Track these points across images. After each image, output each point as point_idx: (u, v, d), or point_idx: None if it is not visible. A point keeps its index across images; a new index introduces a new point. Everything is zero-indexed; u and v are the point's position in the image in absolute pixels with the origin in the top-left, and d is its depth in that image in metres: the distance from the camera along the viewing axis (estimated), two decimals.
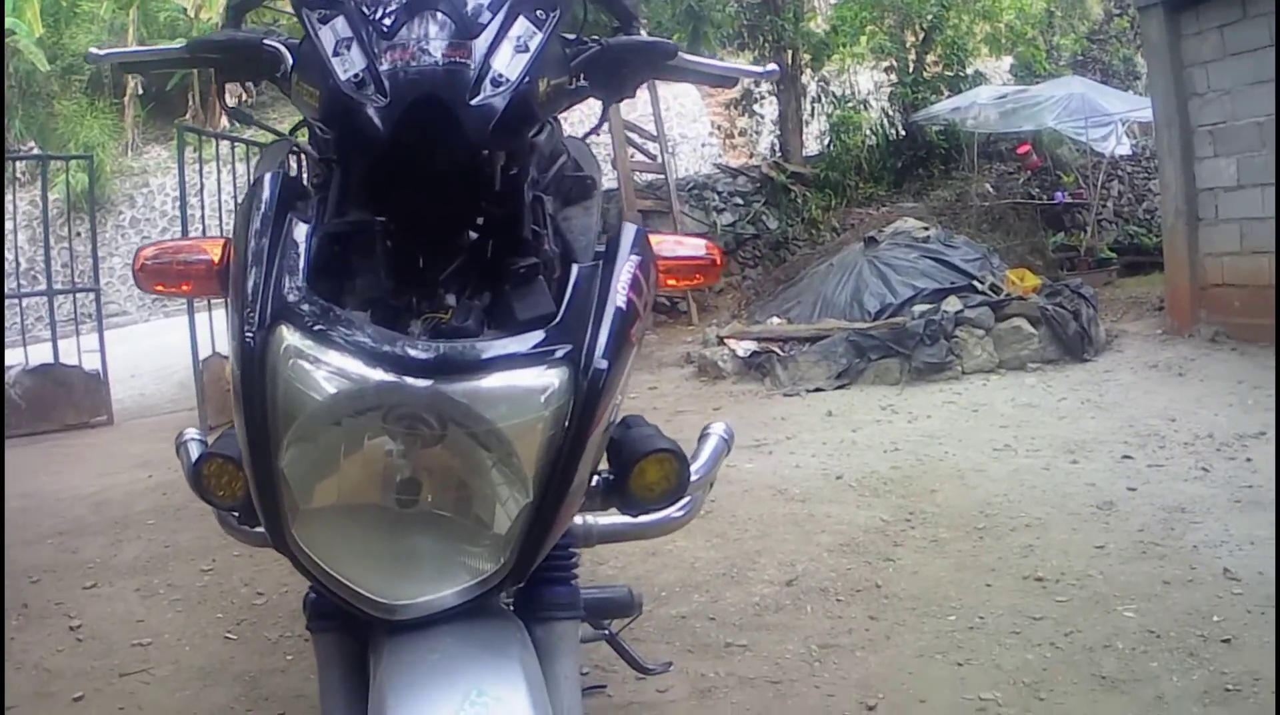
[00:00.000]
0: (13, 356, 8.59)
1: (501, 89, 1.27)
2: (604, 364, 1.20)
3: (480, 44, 1.29)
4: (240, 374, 1.18)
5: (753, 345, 8.59)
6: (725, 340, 8.88)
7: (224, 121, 21.71)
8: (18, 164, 15.64)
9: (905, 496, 4.77)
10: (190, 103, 23.94)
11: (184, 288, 1.63)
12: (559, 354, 1.19)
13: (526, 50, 1.31)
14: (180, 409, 8.76)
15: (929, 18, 14.95)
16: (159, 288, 1.65)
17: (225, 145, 9.02)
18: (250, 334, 1.17)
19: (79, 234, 14.60)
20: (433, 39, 1.29)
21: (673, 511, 1.69)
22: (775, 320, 9.32)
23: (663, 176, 13.24)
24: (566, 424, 1.18)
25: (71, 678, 3.43)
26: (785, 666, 3.13)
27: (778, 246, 13.44)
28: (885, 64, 15.80)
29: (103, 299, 9.24)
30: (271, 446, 1.17)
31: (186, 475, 1.56)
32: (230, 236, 1.51)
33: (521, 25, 1.33)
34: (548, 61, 1.35)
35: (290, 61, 1.51)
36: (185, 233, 8.66)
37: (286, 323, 1.17)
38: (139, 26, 22.84)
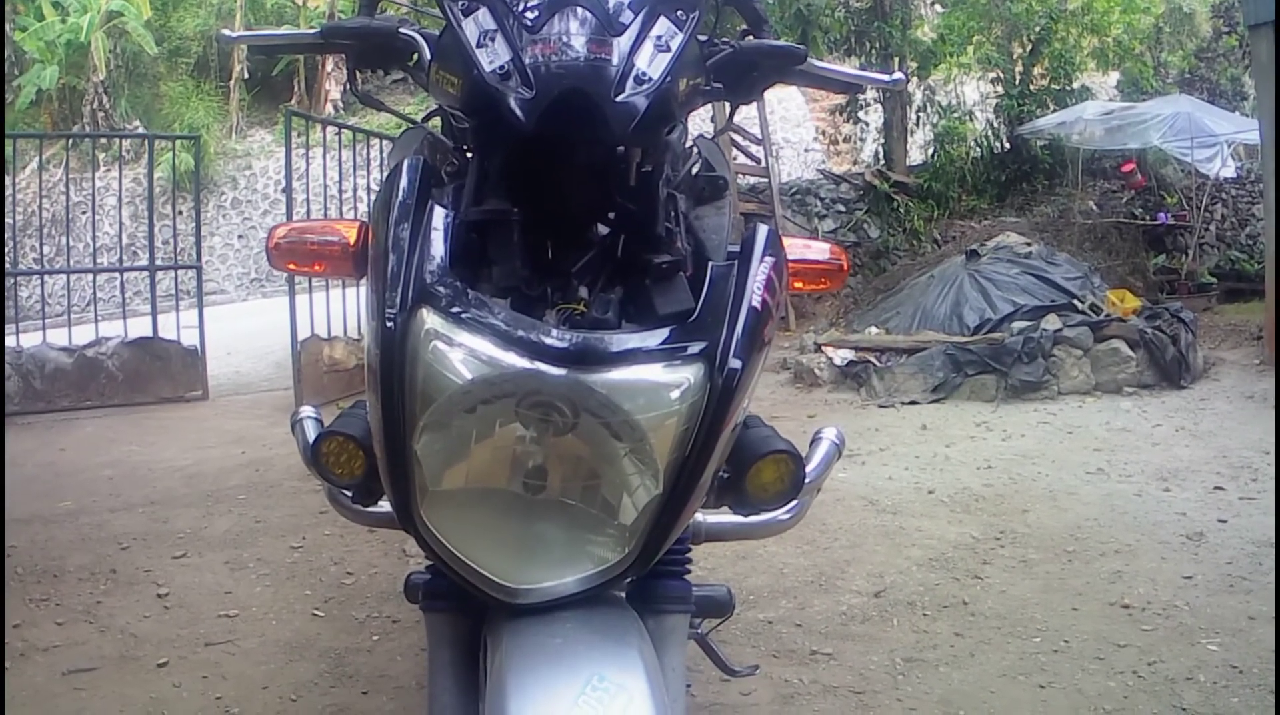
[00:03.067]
0: (112, 328, 8.79)
1: (645, 87, 1.28)
2: (738, 363, 1.21)
3: (623, 42, 1.30)
4: (380, 355, 1.20)
5: (850, 354, 8.55)
6: (823, 348, 8.85)
7: (329, 107, 22.11)
8: (123, 142, 15.99)
9: (996, 515, 4.73)
10: (295, 88, 24.36)
11: (317, 267, 1.66)
12: (695, 350, 1.20)
13: (668, 50, 1.32)
14: (276, 388, 8.90)
15: (1037, 30, 14.75)
16: (291, 266, 1.69)
17: (330, 131, 9.14)
18: (391, 316, 1.19)
19: (181, 213, 14.92)
20: (576, 35, 1.30)
21: (780, 514, 1.69)
22: (873, 330, 9.27)
23: (766, 180, 13.20)
24: (700, 419, 1.19)
25: (157, 644, 3.50)
26: (869, 677, 3.12)
27: (878, 255, 13.35)
28: (991, 75, 15.59)
29: (203, 277, 9.41)
30: (406, 427, 1.19)
31: (302, 452, 1.59)
32: (365, 220, 1.53)
33: (663, 25, 1.35)
34: (687, 62, 1.36)
35: (427, 51, 1.53)
36: (290, 216, 8.80)
37: (427, 306, 1.19)
38: (246, 12, 23.28)
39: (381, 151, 9.32)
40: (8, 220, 15.46)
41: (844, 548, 4.30)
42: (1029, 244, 10.01)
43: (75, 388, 8.22)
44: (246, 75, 24.21)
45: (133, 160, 18.73)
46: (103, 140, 17.99)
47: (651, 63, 1.30)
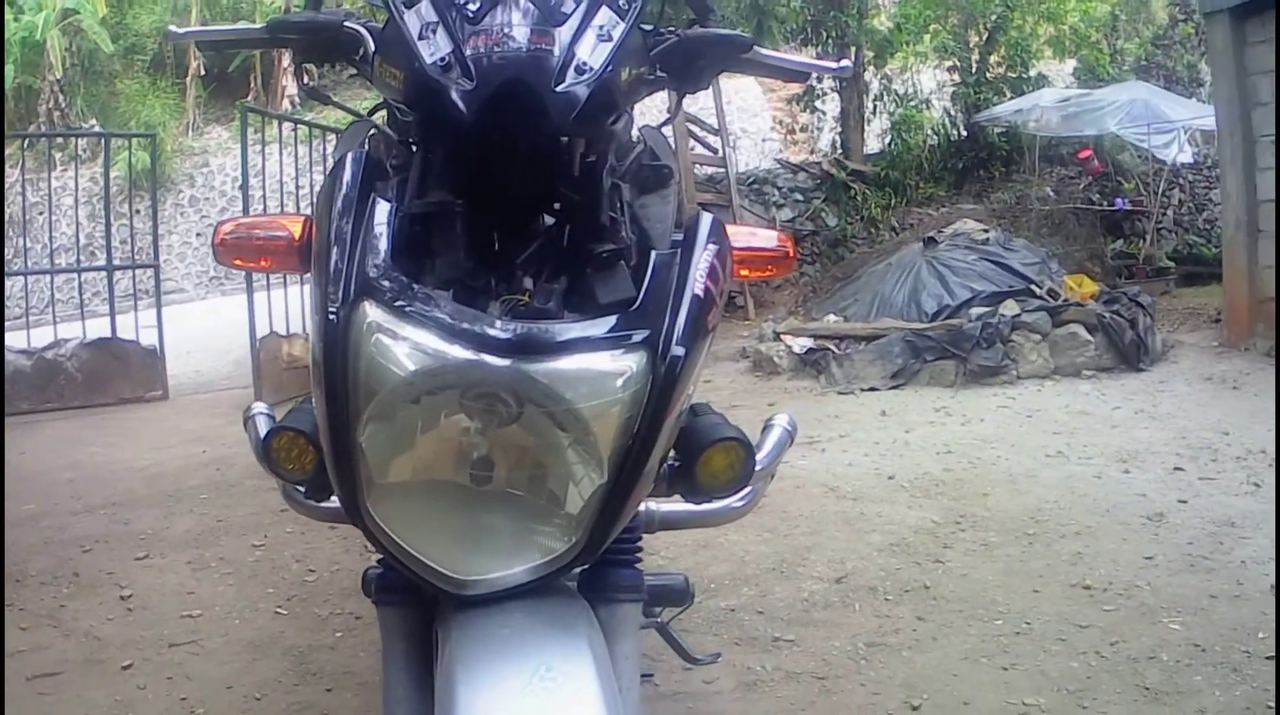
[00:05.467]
0: (70, 330, 8.73)
1: (586, 76, 1.28)
2: (681, 350, 1.21)
3: (564, 32, 1.31)
4: (323, 348, 1.20)
5: (809, 342, 8.55)
6: (782, 336, 8.85)
7: (285, 103, 21.96)
8: (79, 141, 15.79)
9: (956, 499, 4.76)
10: (252, 84, 24.21)
11: (263, 263, 1.65)
12: (637, 338, 1.20)
13: (610, 39, 1.33)
14: (235, 386, 8.86)
15: (993, 18, 14.81)
16: (237, 262, 1.68)
17: (287, 127, 9.09)
18: (334, 309, 1.19)
19: (138, 211, 14.82)
20: (517, 25, 1.31)
21: (734, 501, 1.69)
22: (832, 318, 9.28)
23: (723, 170, 13.21)
24: (643, 407, 1.19)
25: (121, 646, 3.49)
26: (832, 663, 3.14)
27: (836, 244, 13.39)
28: (948, 63, 15.65)
29: (161, 276, 9.34)
30: (351, 420, 1.19)
31: (255, 448, 1.58)
32: (310, 214, 1.53)
33: (604, 15, 1.35)
34: (629, 51, 1.37)
35: (371, 44, 1.53)
36: (246, 212, 8.74)
37: (370, 299, 1.19)
38: (202, 8, 23.08)
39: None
40: None
41: (805, 535, 4.32)
42: (986, 230, 10.05)
43: (34, 390, 8.16)
44: (203, 72, 24.04)
45: (89, 159, 18.55)
46: (59, 139, 17.80)
47: (593, 52, 1.31)
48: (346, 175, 1.30)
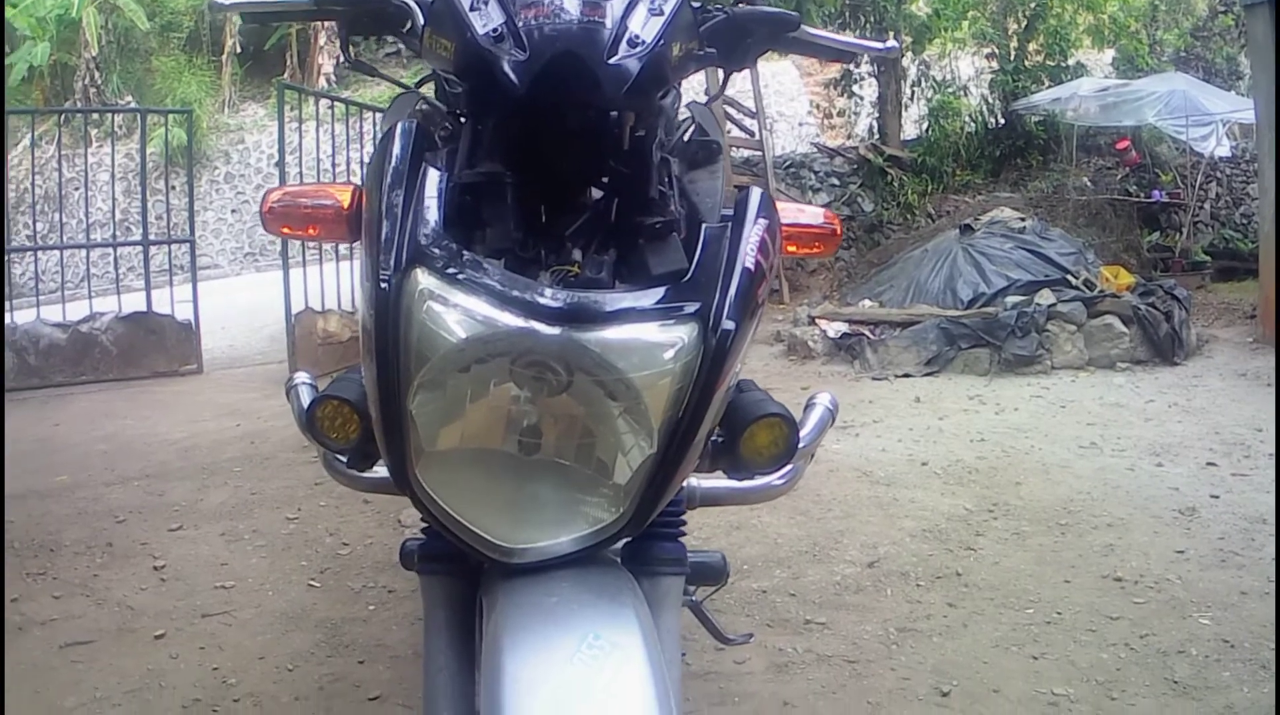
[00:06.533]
0: (106, 304, 8.78)
1: (638, 50, 1.28)
2: (731, 324, 1.20)
3: (616, 5, 1.31)
4: (374, 316, 1.20)
5: (844, 327, 8.55)
6: (817, 320, 8.84)
7: (321, 81, 22.01)
8: (115, 118, 15.91)
9: (989, 487, 4.75)
10: (288, 62, 24.25)
11: (311, 231, 1.66)
12: (689, 310, 1.20)
13: (661, 14, 1.33)
14: (270, 362, 8.90)
15: (1032, 5, 14.68)
16: (285, 230, 1.69)
17: (323, 104, 9.12)
18: (386, 277, 1.19)
19: (174, 188, 14.88)
20: None
21: (774, 479, 1.70)
22: (867, 303, 9.27)
23: (760, 153, 13.17)
24: (694, 379, 1.19)
25: (154, 616, 3.52)
26: (863, 647, 3.14)
27: (872, 229, 13.33)
28: (986, 50, 15.54)
29: (196, 251, 9.38)
30: (401, 388, 1.19)
31: (297, 417, 1.59)
32: (357, 184, 1.53)
33: None
34: (680, 26, 1.36)
35: (420, 16, 1.53)
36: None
37: (422, 266, 1.19)
38: None
39: (374, 124, 9.30)
40: None
41: (838, 518, 4.32)
42: (1023, 219, 10.01)
43: (70, 363, 8.22)
44: (239, 49, 24.09)
45: (125, 136, 18.65)
46: (95, 116, 17.91)
47: (645, 26, 1.30)
48: (397, 145, 1.30)
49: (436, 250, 1.20)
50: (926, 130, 14.81)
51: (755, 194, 1.33)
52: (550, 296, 1.18)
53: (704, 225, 1.29)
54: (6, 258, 9.29)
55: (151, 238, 9.51)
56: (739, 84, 13.63)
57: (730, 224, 1.28)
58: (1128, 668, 2.97)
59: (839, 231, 1.78)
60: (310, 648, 3.24)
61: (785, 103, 22.86)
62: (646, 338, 1.18)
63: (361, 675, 3.05)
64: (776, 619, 3.36)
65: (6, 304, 8.56)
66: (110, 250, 10.85)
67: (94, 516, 4.59)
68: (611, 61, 1.26)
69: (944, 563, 3.81)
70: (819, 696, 2.86)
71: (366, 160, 8.78)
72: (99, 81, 22.81)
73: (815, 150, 15.39)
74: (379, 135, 1.51)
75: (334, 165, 8.98)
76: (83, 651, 3.25)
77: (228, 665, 3.12)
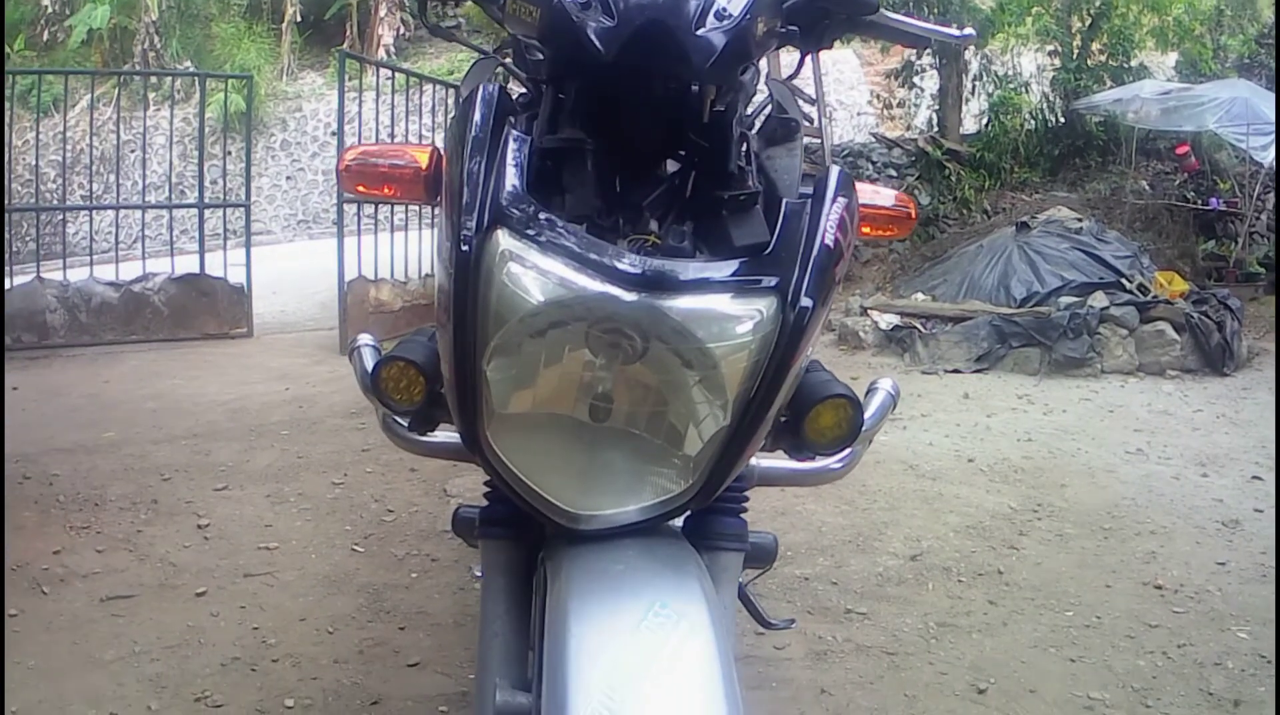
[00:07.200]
0: (159, 265, 8.85)
1: (725, 23, 1.27)
2: (809, 301, 1.20)
3: None
4: (454, 276, 1.20)
5: (895, 319, 8.51)
6: (869, 311, 8.81)
7: (381, 52, 22.07)
8: (174, 82, 15.99)
9: (1035, 487, 4.72)
10: (348, 32, 24.31)
11: (386, 190, 1.66)
12: (768, 284, 1.20)
13: None
14: (320, 328, 8.93)
15: (1097, 4, 14.51)
16: (360, 188, 1.69)
17: (383, 74, 9.14)
18: (467, 238, 1.19)
19: (230, 153, 14.96)
20: None
21: (833, 462, 1.70)
22: (920, 296, 9.22)
23: (819, 140, 13.09)
24: (770, 354, 1.19)
25: (196, 574, 3.56)
26: (902, 639, 3.15)
27: (928, 222, 13.20)
28: (1049, 47, 15.33)
29: (250, 216, 9.44)
30: (477, 349, 1.20)
31: (360, 379, 1.60)
32: (439, 145, 1.54)
33: None
34: (765, 2, 1.35)
35: None
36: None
37: (503, 227, 1.20)
38: None
39: (433, 97, 9.33)
40: (56, 158, 15.54)
41: (882, 510, 4.31)
42: (1080, 219, 9.90)
43: (121, 322, 8.29)
44: (299, 18, 24.18)
45: (183, 100, 18.77)
46: (153, 79, 18.03)
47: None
48: (479, 110, 1.31)
49: (517, 212, 1.21)
50: (986, 125, 14.65)
51: (835, 172, 1.32)
52: (630, 262, 1.18)
53: (785, 201, 1.29)
54: (8, 219, 9.38)
55: (207, 201, 9.56)
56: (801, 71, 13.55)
57: (810, 201, 1.28)
58: (1164, 676, 2.96)
59: (914, 214, 1.78)
60: (351, 612, 3.27)
61: (845, 91, 22.68)
62: (725, 309, 1.18)
63: (402, 641, 3.07)
64: (818, 606, 3.36)
65: (56, 263, 8.69)
66: (165, 212, 10.94)
67: (140, 473, 4.64)
68: (699, 33, 1.25)
69: (986, 560, 3.80)
70: (856, 686, 2.86)
71: (424, 134, 8.80)
72: (158, 46, 22.92)
73: (874, 140, 15.26)
74: (459, 100, 1.51)
75: (392, 137, 8.99)
76: (123, 605, 3.30)
77: (268, 625, 3.16)
